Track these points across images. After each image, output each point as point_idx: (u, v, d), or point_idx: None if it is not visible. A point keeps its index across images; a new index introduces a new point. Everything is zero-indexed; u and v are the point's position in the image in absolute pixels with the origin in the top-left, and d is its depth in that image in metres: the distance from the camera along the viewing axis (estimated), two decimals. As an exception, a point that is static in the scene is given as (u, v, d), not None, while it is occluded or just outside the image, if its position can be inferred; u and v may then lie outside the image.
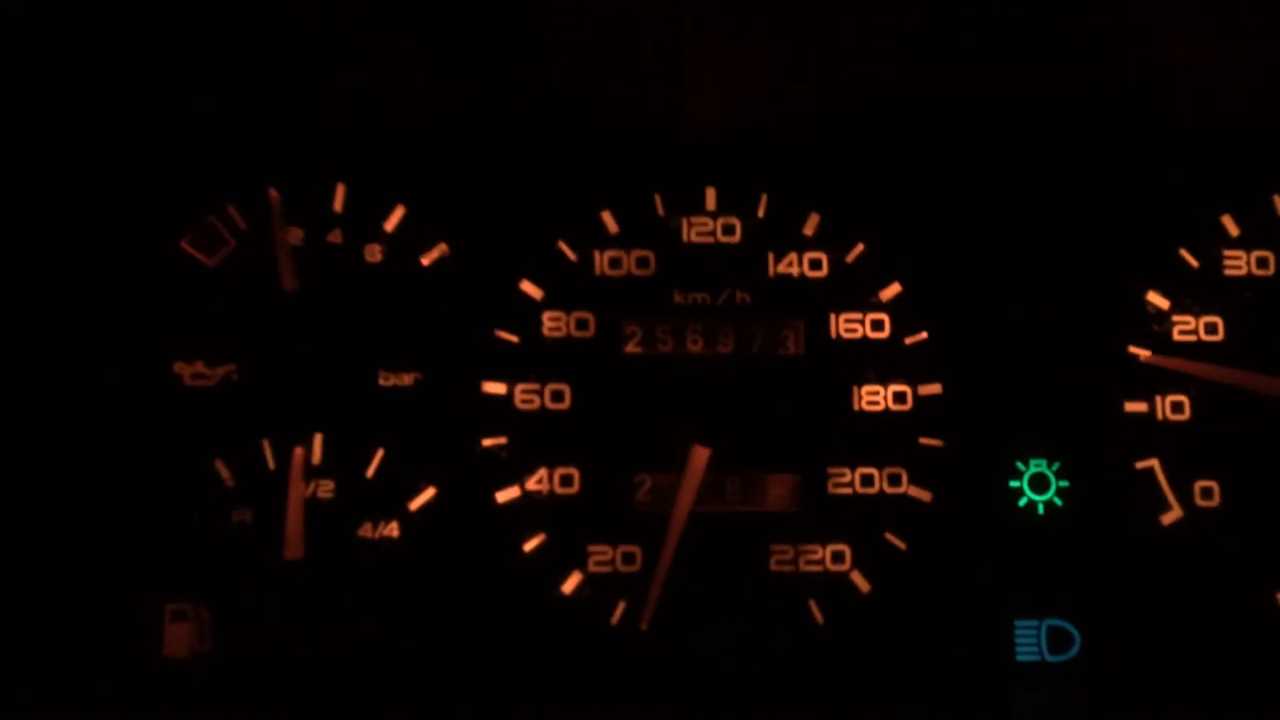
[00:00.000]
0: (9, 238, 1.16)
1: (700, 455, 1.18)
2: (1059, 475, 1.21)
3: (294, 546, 1.16)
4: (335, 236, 1.22)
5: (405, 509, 1.19)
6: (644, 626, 1.16)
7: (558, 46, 1.11)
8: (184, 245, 1.21)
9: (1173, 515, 1.20)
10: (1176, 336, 1.23)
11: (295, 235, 1.21)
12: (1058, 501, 1.21)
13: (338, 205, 1.23)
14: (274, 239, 1.20)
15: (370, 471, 1.19)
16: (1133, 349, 1.23)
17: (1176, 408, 1.22)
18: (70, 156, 1.19)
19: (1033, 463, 1.21)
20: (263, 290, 1.20)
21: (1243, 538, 1.20)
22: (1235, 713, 1.12)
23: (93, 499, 1.17)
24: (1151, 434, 1.21)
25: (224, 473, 1.18)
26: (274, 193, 1.20)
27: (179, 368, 1.19)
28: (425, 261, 1.22)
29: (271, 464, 1.18)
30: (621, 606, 1.18)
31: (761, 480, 1.21)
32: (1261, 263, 1.25)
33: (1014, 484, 1.21)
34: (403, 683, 1.15)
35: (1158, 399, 1.22)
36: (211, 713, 1.10)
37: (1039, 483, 1.21)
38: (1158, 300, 1.24)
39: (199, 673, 1.14)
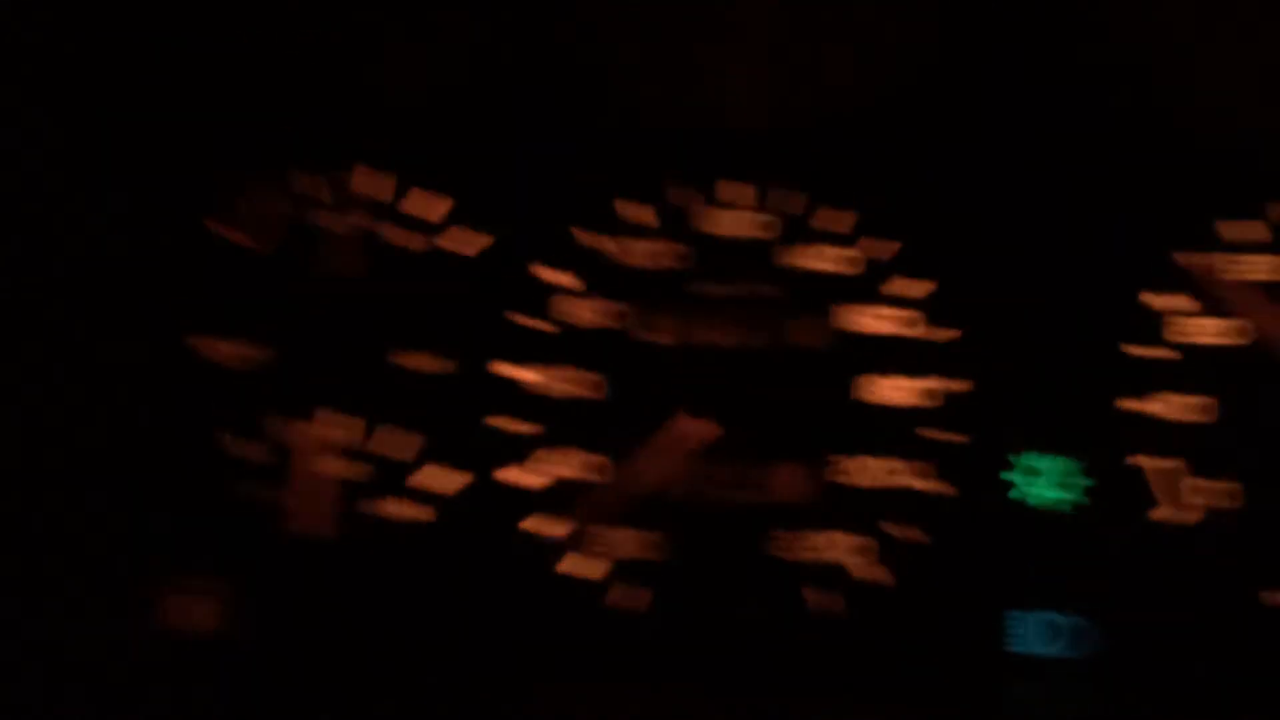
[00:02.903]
0: (33, 211, 1.15)
1: (687, 426, 1.18)
2: (1067, 473, 1.23)
3: (310, 525, 1.15)
4: (357, 219, 1.22)
5: (422, 490, 1.19)
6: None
7: (586, 35, 1.12)
8: (208, 223, 1.21)
9: (1173, 514, 1.22)
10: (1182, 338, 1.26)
11: (318, 217, 1.22)
12: (1065, 497, 1.23)
13: (361, 188, 1.23)
14: (320, 221, 1.21)
15: (390, 453, 1.19)
16: (1135, 349, 1.25)
17: (1185, 408, 1.24)
18: (98, 130, 1.18)
19: (1043, 459, 1.23)
20: (286, 270, 1.21)
21: (1244, 538, 1.21)
22: (1230, 713, 1.14)
23: (107, 472, 1.15)
24: (1158, 433, 1.23)
25: (241, 449, 1.17)
26: (347, 175, 1.22)
27: (198, 344, 1.19)
28: (447, 245, 1.23)
29: (289, 442, 1.18)
30: (638, 593, 1.19)
31: (772, 470, 1.22)
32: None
33: (1021, 479, 1.23)
34: (419, 663, 1.15)
35: (1167, 398, 1.24)
36: (224, 689, 1.09)
37: (1048, 480, 1.23)
38: (1154, 301, 1.26)
39: (213, 649, 1.13)
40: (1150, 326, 1.25)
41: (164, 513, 1.16)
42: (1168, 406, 1.24)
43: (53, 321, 1.15)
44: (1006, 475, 1.23)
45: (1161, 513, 1.22)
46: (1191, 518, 1.22)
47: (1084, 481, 1.23)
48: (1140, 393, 1.24)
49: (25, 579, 1.11)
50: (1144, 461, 1.23)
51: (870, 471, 1.22)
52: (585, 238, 1.25)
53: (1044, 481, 1.23)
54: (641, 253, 1.25)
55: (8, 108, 1.11)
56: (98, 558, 1.14)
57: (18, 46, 1.09)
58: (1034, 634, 1.21)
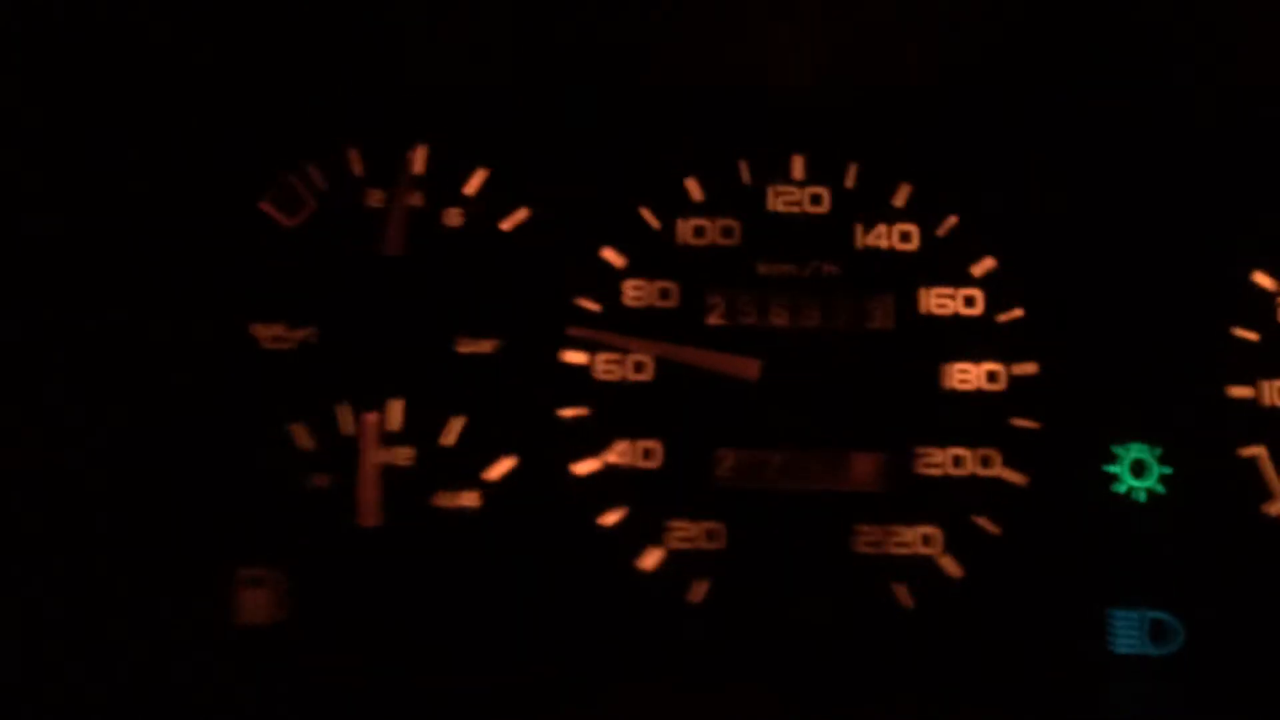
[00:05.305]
0: (87, 199, 1.15)
1: (750, 366, 1.15)
2: (1160, 461, 1.16)
3: (369, 514, 1.14)
4: (415, 199, 1.20)
5: (484, 478, 1.16)
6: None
7: (643, 10, 1.09)
8: (263, 206, 1.20)
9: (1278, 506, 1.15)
10: (1284, 320, 1.18)
11: (375, 197, 1.20)
12: (1158, 488, 1.16)
13: (419, 167, 1.20)
14: (394, 201, 1.19)
15: (449, 439, 1.17)
16: (1238, 331, 1.18)
17: (1285, 394, 1.17)
18: (149, 116, 1.17)
19: (1133, 447, 1.16)
20: (343, 252, 1.18)
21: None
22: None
23: (167, 460, 1.15)
24: (1257, 420, 1.16)
25: (301, 437, 1.16)
26: (409, 155, 1.19)
27: (257, 330, 1.17)
28: (505, 227, 1.20)
29: (348, 429, 1.16)
30: (704, 585, 1.15)
31: (846, 458, 1.17)
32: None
33: (1112, 469, 1.16)
34: (477, 653, 1.12)
35: (1264, 384, 1.17)
36: (286, 680, 1.08)
37: (1139, 469, 1.16)
38: (1264, 281, 1.19)
39: (274, 640, 1.12)
40: (1246, 306, 1.18)
41: (224, 501, 1.16)
42: (1271, 392, 1.16)
43: (112, 306, 1.14)
44: (1093, 464, 1.16)
45: (1274, 506, 1.14)
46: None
47: (1172, 471, 1.16)
48: (1240, 378, 1.16)
49: (88, 568, 1.11)
50: (1252, 450, 1.15)
51: (943, 459, 1.17)
52: (641, 215, 1.21)
53: (1133, 471, 1.16)
54: (696, 230, 1.20)
55: (61, 92, 1.10)
56: (159, 547, 1.14)
57: (67, 30, 1.08)
58: (1130, 632, 1.14)
